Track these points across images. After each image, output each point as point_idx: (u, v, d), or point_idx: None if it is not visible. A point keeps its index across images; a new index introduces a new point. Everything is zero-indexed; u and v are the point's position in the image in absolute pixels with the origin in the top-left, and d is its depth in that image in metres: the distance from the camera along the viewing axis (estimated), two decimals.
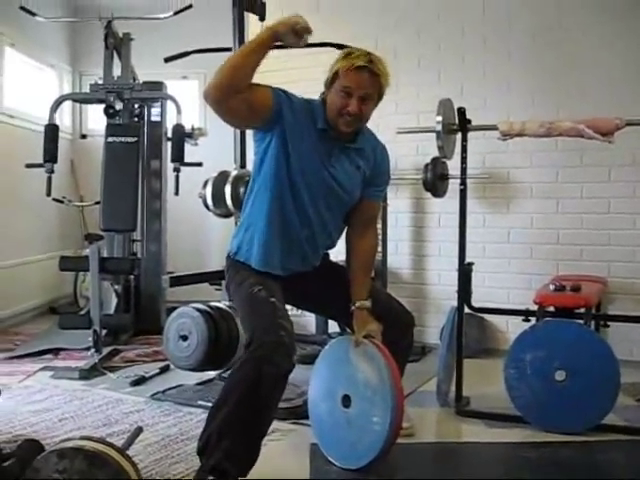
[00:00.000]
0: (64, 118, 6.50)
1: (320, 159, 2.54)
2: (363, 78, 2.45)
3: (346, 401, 2.56)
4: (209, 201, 3.60)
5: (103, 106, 4.77)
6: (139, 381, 3.78)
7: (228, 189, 3.52)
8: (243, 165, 3.78)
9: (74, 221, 6.38)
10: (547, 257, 4.36)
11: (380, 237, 4.15)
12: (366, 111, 2.51)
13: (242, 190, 3.47)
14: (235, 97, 2.33)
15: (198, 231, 6.20)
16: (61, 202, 5.86)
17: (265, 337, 2.30)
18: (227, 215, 3.67)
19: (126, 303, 4.98)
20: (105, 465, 1.87)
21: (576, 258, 4.26)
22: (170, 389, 3.60)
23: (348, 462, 2.57)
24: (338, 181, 2.57)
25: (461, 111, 3.23)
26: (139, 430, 2.49)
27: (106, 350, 4.26)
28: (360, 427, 2.51)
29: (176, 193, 4.66)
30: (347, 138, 2.58)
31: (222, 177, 3.59)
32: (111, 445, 1.98)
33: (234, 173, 3.63)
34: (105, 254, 5.02)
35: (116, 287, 4.84)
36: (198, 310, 3.33)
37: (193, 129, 5.14)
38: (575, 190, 4.29)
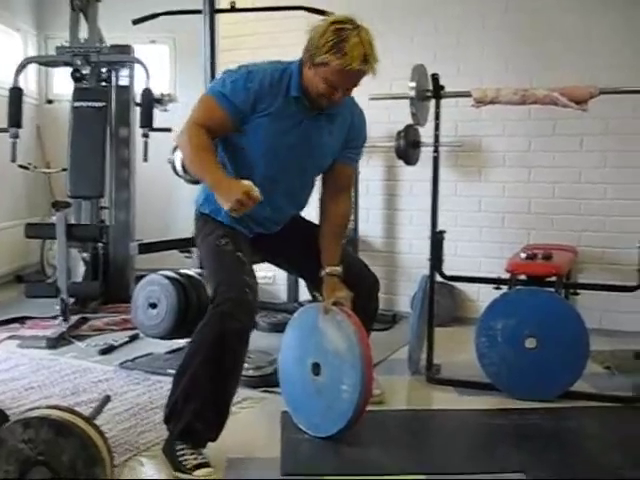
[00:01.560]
0: (29, 83, 6.34)
1: (290, 127, 2.45)
2: (355, 77, 2.35)
3: (316, 369, 2.54)
4: (178, 167, 3.54)
5: (70, 70, 4.66)
6: (108, 350, 3.74)
7: None
8: None
9: (41, 188, 6.25)
10: (519, 226, 4.36)
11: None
12: (349, 93, 2.46)
13: None
14: (210, 135, 2.38)
15: (168, 198, 6.11)
16: (27, 169, 5.73)
17: (228, 293, 2.27)
18: (197, 181, 3.59)
19: (94, 271, 4.90)
20: (72, 434, 1.83)
21: (547, 227, 4.28)
22: (139, 357, 3.56)
23: (319, 430, 2.56)
24: (309, 149, 2.51)
25: (435, 77, 3.19)
26: (107, 399, 2.45)
27: (74, 319, 4.21)
28: (330, 395, 2.50)
29: (145, 159, 4.57)
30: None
31: None
32: (78, 414, 1.94)
33: None
34: (73, 221, 4.95)
35: (84, 255, 4.76)
36: (167, 277, 3.28)
37: (162, 95, 5.03)
38: (547, 159, 4.29)
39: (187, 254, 3.74)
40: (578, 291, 3.50)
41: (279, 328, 3.26)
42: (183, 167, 3.52)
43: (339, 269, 2.58)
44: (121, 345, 3.83)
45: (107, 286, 4.86)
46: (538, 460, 2.42)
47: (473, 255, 4.46)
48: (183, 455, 2.28)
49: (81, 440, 1.83)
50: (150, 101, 4.55)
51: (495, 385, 3.03)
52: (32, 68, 6.34)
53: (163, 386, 3.14)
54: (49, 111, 6.45)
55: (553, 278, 3.21)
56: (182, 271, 3.38)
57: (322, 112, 2.49)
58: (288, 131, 2.45)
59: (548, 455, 2.46)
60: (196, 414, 2.26)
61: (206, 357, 2.25)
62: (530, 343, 2.97)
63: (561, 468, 2.37)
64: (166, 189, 5.80)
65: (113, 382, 3.23)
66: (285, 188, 2.55)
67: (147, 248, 3.58)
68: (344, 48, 2.27)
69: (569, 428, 2.74)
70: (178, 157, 3.53)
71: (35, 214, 6.07)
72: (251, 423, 2.71)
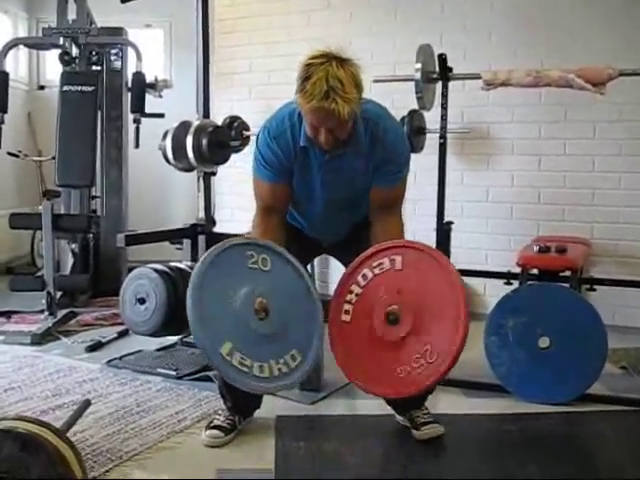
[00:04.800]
0: (20, 68, 6.17)
1: (310, 177, 2.43)
2: (323, 117, 2.19)
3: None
4: (169, 154, 3.34)
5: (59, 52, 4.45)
6: (95, 346, 3.55)
7: (189, 140, 3.27)
8: (206, 115, 3.51)
9: (31, 177, 6.05)
10: (528, 217, 4.17)
11: None
12: (342, 134, 2.28)
13: (204, 141, 3.21)
14: (277, 212, 2.48)
15: (162, 187, 5.93)
16: (16, 156, 5.58)
17: None
18: (189, 169, 3.41)
19: (84, 263, 4.71)
20: (39, 450, 1.64)
21: (558, 218, 4.08)
22: (128, 355, 3.37)
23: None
24: (339, 187, 2.44)
25: (442, 58, 2.99)
26: (86, 404, 2.26)
27: (62, 313, 4.02)
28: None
29: (136, 146, 4.38)
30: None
31: (183, 128, 3.33)
32: (47, 426, 1.74)
33: (196, 123, 3.37)
34: (62, 211, 4.76)
35: (73, 246, 4.56)
36: (156, 271, 3.08)
37: (157, 80, 4.84)
38: (558, 147, 4.09)
39: (178, 246, 3.54)
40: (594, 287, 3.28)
41: None
42: (174, 154, 3.32)
43: None
44: (109, 342, 3.65)
45: (98, 279, 4.68)
46: (552, 472, 2.23)
47: (480, 247, 4.26)
48: (217, 412, 2.52)
49: (49, 456, 1.64)
50: (141, 85, 4.35)
51: (505, 387, 2.84)
52: (23, 53, 6.16)
53: (152, 387, 2.97)
54: (41, 97, 6.27)
55: (567, 273, 3.01)
56: (173, 264, 3.18)
57: (337, 154, 2.36)
58: (313, 181, 2.43)
59: (563, 467, 2.27)
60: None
61: None
62: (543, 342, 2.79)
63: None
64: (161, 177, 5.61)
65: (98, 382, 3.04)
66: (331, 220, 2.57)
67: (135, 239, 3.38)
68: (306, 85, 2.16)
69: (585, 435, 2.57)
70: (169, 143, 3.33)
71: (25, 203, 5.87)
72: (243, 429, 2.51)
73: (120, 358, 3.33)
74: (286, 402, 2.77)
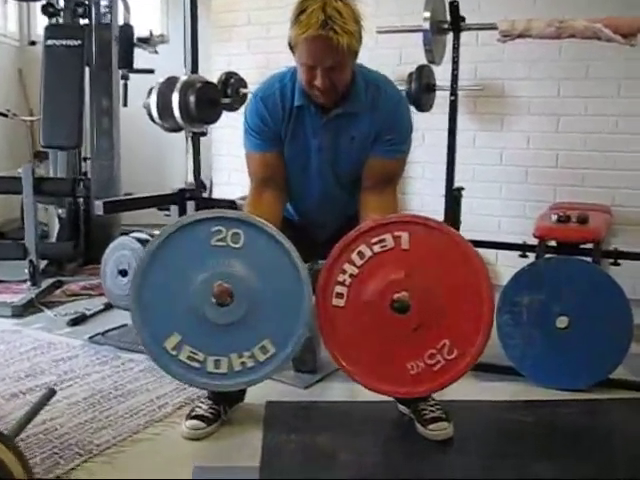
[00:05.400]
0: (10, 23, 5.87)
1: (305, 145, 2.19)
2: (320, 49, 1.97)
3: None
4: (154, 112, 3.06)
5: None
6: (78, 320, 3.32)
7: (175, 97, 2.98)
8: (195, 70, 3.22)
9: (22, 137, 5.78)
10: (544, 182, 3.88)
11: None
12: (339, 79, 2.03)
13: (192, 99, 2.93)
14: (272, 187, 2.23)
15: (160, 148, 5.64)
16: (5, 116, 5.30)
17: None
18: (176, 129, 3.13)
19: (75, 229, 4.46)
20: None
21: (576, 183, 3.80)
22: (112, 330, 3.13)
23: None
24: (335, 156, 2.20)
25: (454, 5, 2.69)
26: (50, 394, 2.02)
27: (48, 282, 3.79)
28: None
29: (124, 104, 4.11)
30: (332, 105, 2.12)
31: (169, 84, 3.05)
32: None
33: (183, 79, 3.07)
34: (52, 174, 4.52)
35: (60, 211, 4.31)
36: (139, 240, 2.86)
37: (152, 35, 4.55)
38: (578, 106, 3.78)
39: (167, 212, 3.28)
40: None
41: None
42: (159, 113, 3.05)
43: None
44: (94, 314, 3.41)
45: (89, 245, 4.43)
46: (572, 470, 1.98)
47: (492, 214, 3.99)
48: (200, 400, 2.27)
49: None
50: (130, 39, 4.08)
51: (519, 370, 2.59)
52: (12, 7, 5.86)
53: (133, 367, 2.73)
54: (32, 53, 5.94)
55: (588, 245, 2.74)
56: (157, 232, 2.92)
57: (336, 113, 2.12)
58: (308, 149, 2.20)
59: (584, 465, 2.02)
60: None
61: None
62: (561, 322, 2.53)
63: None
64: (157, 138, 5.29)
65: (77, 361, 2.81)
66: (329, 202, 2.31)
67: (115, 207, 3.11)
68: (301, 17, 1.97)
69: (608, 426, 2.32)
70: (153, 101, 3.05)
71: (17, 166, 5.59)
72: (229, 418, 2.27)
73: (103, 334, 3.09)
74: (278, 385, 2.54)
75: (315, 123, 2.15)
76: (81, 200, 4.45)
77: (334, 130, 2.15)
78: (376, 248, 1.98)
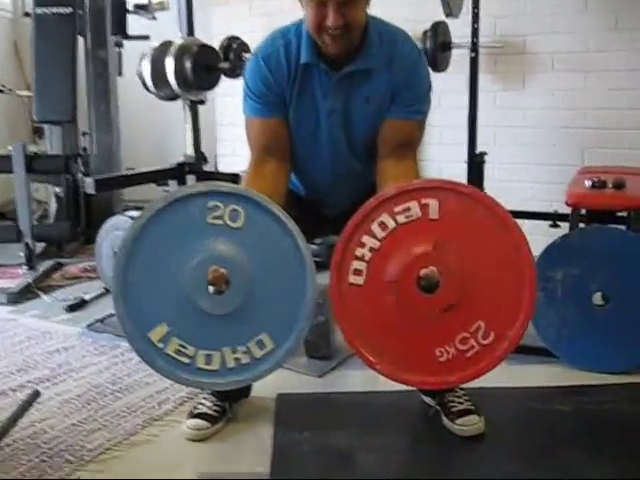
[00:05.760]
0: None
1: (313, 109, 1.95)
2: None
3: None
4: (147, 80, 2.82)
5: None
6: (77, 306, 3.12)
7: (170, 63, 2.74)
8: (190, 32, 2.97)
9: (21, 113, 5.56)
10: (571, 144, 3.62)
11: None
12: (353, 17, 1.79)
13: (188, 64, 2.69)
14: (274, 157, 1.98)
15: (162, 120, 5.39)
16: (0, 91, 5.07)
17: None
18: (172, 97, 2.90)
19: (75, 207, 4.24)
20: None
21: (607, 145, 3.54)
22: (111, 316, 2.91)
23: None
24: (344, 129, 1.97)
25: None
26: (34, 396, 1.82)
27: (46, 265, 3.60)
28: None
29: (119, 73, 3.86)
30: (342, 60, 1.88)
31: (163, 49, 2.81)
32: None
33: (178, 43, 2.83)
34: (49, 150, 4.30)
35: (57, 190, 4.09)
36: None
37: (150, 2, 4.28)
38: (608, 61, 3.50)
39: (165, 188, 3.06)
40: None
41: None
42: (153, 80, 2.81)
43: None
44: (94, 299, 3.20)
45: (90, 224, 4.22)
46: (625, 469, 1.76)
47: (515, 179, 3.75)
48: (203, 396, 2.06)
49: None
50: (121, 3, 3.80)
51: (553, 352, 2.37)
52: None
53: (133, 357, 2.50)
54: (27, 25, 5.66)
55: (625, 213, 2.50)
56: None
57: (349, 71, 1.88)
58: (317, 113, 1.96)
59: (633, 463, 1.80)
60: None
61: None
62: (599, 299, 2.31)
63: None
64: (159, 109, 5.07)
65: (73, 352, 2.62)
66: (341, 173, 2.07)
67: (108, 184, 2.89)
68: None
69: None
70: (146, 68, 2.80)
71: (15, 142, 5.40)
72: (235, 414, 2.07)
73: (102, 320, 2.90)
74: (289, 374, 2.33)
75: (324, 83, 1.91)
76: (80, 177, 4.24)
77: (346, 90, 1.91)
78: (400, 218, 1.72)
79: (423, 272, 1.69)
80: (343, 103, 1.92)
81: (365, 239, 1.75)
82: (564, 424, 2.02)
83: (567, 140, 3.63)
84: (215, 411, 1.99)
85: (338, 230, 1.79)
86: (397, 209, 1.72)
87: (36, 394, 1.83)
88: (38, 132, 5.13)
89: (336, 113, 1.93)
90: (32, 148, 4.89)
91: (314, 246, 2.98)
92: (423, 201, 1.70)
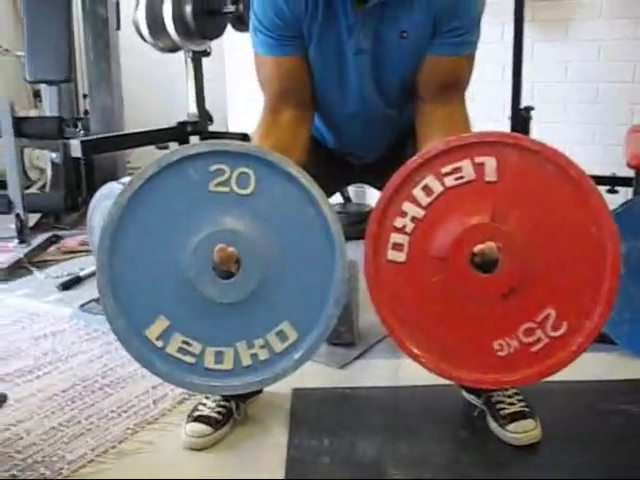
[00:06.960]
0: None
1: (335, 46, 1.59)
2: None
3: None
4: (143, 29, 2.49)
5: None
6: (70, 283, 2.83)
7: (168, 8, 2.40)
8: None
9: (20, 75, 5.24)
10: (619, 100, 3.25)
11: None
12: None
13: (188, 9, 2.34)
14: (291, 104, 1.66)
15: (168, 77, 5.04)
16: None
17: None
18: (172, 48, 2.56)
19: (76, 174, 3.95)
20: None
21: None
22: None
23: None
24: (375, 71, 1.62)
25: None
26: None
27: (41, 238, 3.31)
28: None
29: (117, 27, 3.52)
30: None
31: None
32: None
33: None
34: (48, 112, 3.99)
35: (53, 156, 3.77)
36: None
37: None
38: None
39: (166, 151, 2.73)
40: None
41: None
42: (150, 29, 2.47)
43: None
44: (89, 276, 2.90)
45: (91, 192, 3.92)
46: None
47: (555, 139, 3.32)
48: (205, 397, 1.76)
49: None
50: None
51: (613, 338, 2.04)
52: None
53: None
54: None
55: None
56: None
57: (379, 1, 1.50)
58: (342, 55, 1.60)
59: None
60: None
61: None
62: None
63: None
64: (166, 66, 4.73)
65: (62, 338, 2.33)
66: (371, 120, 1.73)
67: (97, 147, 2.56)
68: None
69: None
70: (142, 14, 2.46)
71: (17, 107, 5.10)
72: (240, 422, 1.76)
73: (97, 300, 2.59)
74: (307, 365, 1.95)
75: (351, 17, 1.54)
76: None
77: (377, 25, 1.54)
78: (449, 181, 1.39)
79: (478, 248, 1.35)
80: (373, 41, 1.55)
81: (406, 206, 1.42)
82: (634, 429, 1.69)
83: (615, 96, 3.26)
84: (219, 413, 1.69)
85: (368, 181, 1.46)
86: (445, 169, 1.39)
87: (3, 398, 1.54)
88: (39, 96, 4.83)
89: (365, 53, 1.57)
90: (32, 113, 4.63)
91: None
92: (477, 159, 1.37)
